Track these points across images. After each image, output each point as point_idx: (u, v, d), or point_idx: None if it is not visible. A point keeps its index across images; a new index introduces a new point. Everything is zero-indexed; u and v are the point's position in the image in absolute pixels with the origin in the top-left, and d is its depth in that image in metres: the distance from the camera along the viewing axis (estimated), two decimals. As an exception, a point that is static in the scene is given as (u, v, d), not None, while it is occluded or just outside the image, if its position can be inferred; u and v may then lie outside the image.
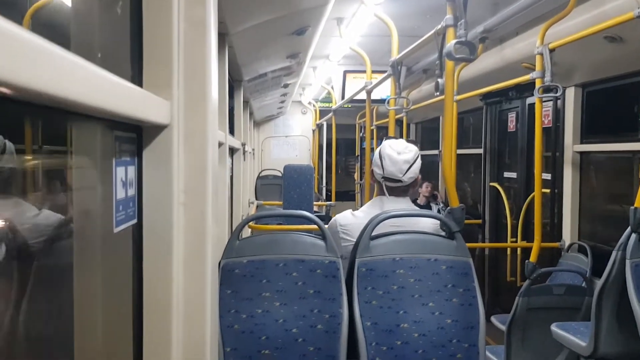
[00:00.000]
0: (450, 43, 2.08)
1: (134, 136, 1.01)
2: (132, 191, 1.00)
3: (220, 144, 2.71)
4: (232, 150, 4.00)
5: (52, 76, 0.53)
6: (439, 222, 2.22)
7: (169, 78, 1.00)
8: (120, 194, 0.94)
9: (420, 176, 2.31)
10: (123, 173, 0.95)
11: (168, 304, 1.07)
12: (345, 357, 1.94)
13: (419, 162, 2.28)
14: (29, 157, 1.30)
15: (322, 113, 9.13)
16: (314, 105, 9.45)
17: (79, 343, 1.06)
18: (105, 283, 1.05)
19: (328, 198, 8.84)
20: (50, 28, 1.10)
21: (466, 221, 2.16)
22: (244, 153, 4.57)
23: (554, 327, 2.52)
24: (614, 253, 2.21)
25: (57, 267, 1.35)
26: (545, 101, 3.82)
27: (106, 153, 0.90)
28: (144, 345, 1.08)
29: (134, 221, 1.03)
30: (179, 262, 1.08)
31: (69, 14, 0.99)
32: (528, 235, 4.42)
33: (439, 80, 2.40)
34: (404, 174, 2.23)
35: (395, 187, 2.27)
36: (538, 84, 3.29)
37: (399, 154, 2.25)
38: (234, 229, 2.15)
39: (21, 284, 1.21)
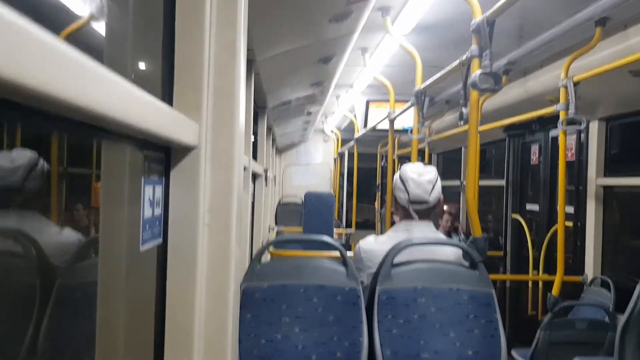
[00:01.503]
0: (475, 73, 2.09)
1: (163, 156, 1.03)
2: (158, 210, 1.02)
3: (244, 168, 2.73)
4: (255, 176, 4.03)
5: (87, 89, 0.55)
6: (461, 251, 2.20)
7: (199, 100, 1.03)
8: (147, 212, 0.95)
9: (442, 197, 2.33)
10: (151, 192, 0.97)
11: (190, 326, 1.08)
12: None
13: (439, 182, 2.32)
14: (61, 174, 1.33)
15: (344, 142, 9.17)
16: (336, 134, 9.50)
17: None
18: (128, 302, 1.06)
19: (348, 226, 8.81)
20: (85, 48, 1.14)
21: (489, 252, 2.15)
22: (266, 179, 4.60)
23: (576, 363, 2.46)
24: (638, 287, 2.16)
25: (80, 285, 1.37)
26: (569, 134, 3.79)
27: (135, 172, 0.92)
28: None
29: (159, 240, 1.04)
30: (202, 283, 1.09)
31: (103, 35, 1.02)
32: (550, 269, 4.34)
33: (463, 109, 2.41)
34: (430, 194, 2.26)
35: (422, 210, 2.27)
36: (562, 117, 3.28)
37: (420, 175, 2.28)
38: (254, 253, 2.16)
39: (43, 302, 1.23)
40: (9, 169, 1.24)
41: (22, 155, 1.26)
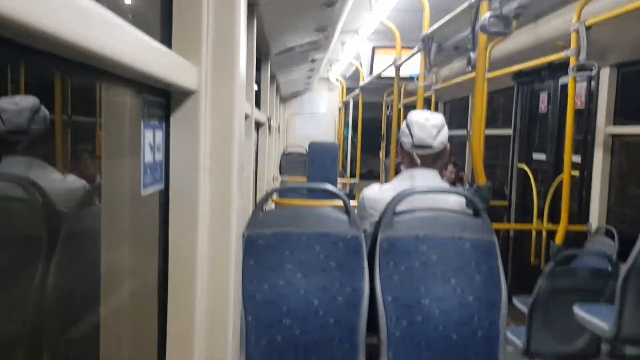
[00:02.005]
0: (485, 16, 2.03)
1: (162, 101, 1.02)
2: (159, 156, 1.01)
3: (246, 116, 2.71)
4: (258, 125, 4.01)
5: (85, 29, 0.54)
6: (465, 200, 2.20)
7: (198, 43, 1.00)
8: (148, 157, 0.95)
9: (449, 145, 2.30)
10: (151, 137, 0.96)
11: (193, 269, 1.09)
12: (365, 330, 1.95)
13: (446, 128, 2.27)
14: (60, 119, 1.32)
15: (349, 90, 9.06)
16: (341, 82, 9.39)
17: (105, 304, 1.08)
18: (131, 246, 1.07)
19: (352, 176, 8.83)
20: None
21: (492, 202, 2.14)
22: (269, 128, 4.57)
23: (576, 309, 2.49)
24: (641, 236, 2.17)
25: (85, 230, 1.38)
26: (578, 81, 3.72)
27: (135, 116, 0.91)
28: (168, 309, 1.10)
29: (161, 186, 1.04)
30: (204, 227, 1.09)
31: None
32: (554, 219, 4.35)
33: (471, 54, 2.36)
34: (434, 139, 2.22)
35: (426, 156, 2.25)
36: (572, 62, 3.21)
37: (426, 120, 2.25)
38: (257, 203, 2.17)
39: (50, 246, 1.24)
40: (14, 111, 1.25)
41: (26, 100, 1.26)
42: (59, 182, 1.47)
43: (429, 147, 2.22)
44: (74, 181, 1.49)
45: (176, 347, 1.10)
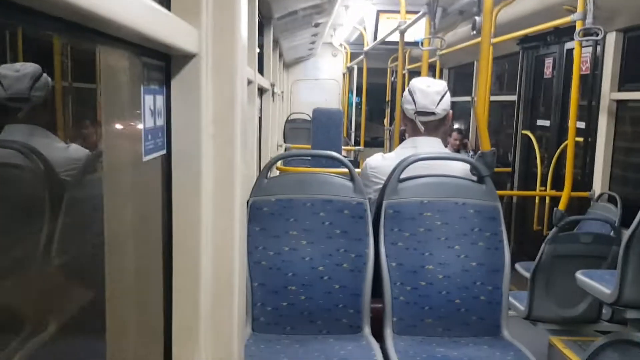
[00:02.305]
0: (490, -21, 1.99)
1: (162, 65, 1.00)
2: (160, 121, 1.00)
3: (249, 82, 2.68)
4: (261, 91, 3.97)
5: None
6: (469, 166, 2.19)
7: (198, 4, 0.98)
8: (148, 122, 0.94)
9: (451, 112, 2.29)
10: (151, 101, 0.95)
11: (197, 235, 1.09)
12: (369, 296, 1.97)
13: (449, 95, 2.27)
14: (66, 88, 1.31)
15: (353, 56, 8.96)
16: (345, 48, 9.28)
17: (109, 271, 1.09)
18: (134, 213, 1.07)
19: (357, 144, 8.80)
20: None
21: (495, 169, 2.13)
22: (272, 94, 4.54)
23: (578, 274, 2.50)
24: (646, 201, 2.16)
25: (87, 199, 1.38)
26: (584, 46, 3.67)
27: (134, 80, 0.90)
28: (173, 276, 1.11)
29: (163, 152, 1.03)
30: (207, 193, 1.09)
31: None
32: (558, 185, 4.35)
33: (476, 18, 2.32)
34: (437, 105, 2.21)
35: (429, 122, 2.24)
36: (579, 27, 3.16)
37: (428, 86, 2.24)
38: (262, 169, 2.16)
39: (52, 216, 1.24)
40: (15, 77, 1.24)
41: (27, 67, 1.25)
42: (62, 150, 1.47)
43: (432, 113, 2.20)
44: (76, 149, 1.48)
45: (182, 311, 1.11)
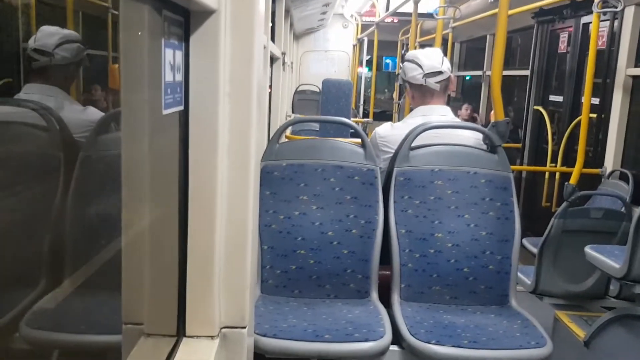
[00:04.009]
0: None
1: (182, 20, 1.00)
2: (179, 77, 1.00)
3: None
4: (272, 60, 3.95)
5: None
6: (480, 136, 2.18)
7: (218, -42, 0.97)
8: (168, 76, 0.94)
9: (453, 75, 2.34)
10: (171, 56, 0.95)
11: (213, 193, 1.10)
12: (378, 262, 1.98)
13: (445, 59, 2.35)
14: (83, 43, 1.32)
15: (364, 28, 8.86)
16: (356, 19, 9.16)
17: (126, 228, 1.10)
18: (153, 168, 1.07)
19: (365, 116, 8.76)
20: None
21: (505, 145, 2.13)
22: (283, 63, 4.51)
23: (587, 249, 2.50)
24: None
25: (104, 158, 1.39)
26: (601, 20, 3.61)
27: (155, 33, 0.90)
28: (188, 234, 1.12)
29: (181, 107, 1.03)
30: (223, 150, 1.09)
31: None
32: (568, 162, 4.32)
33: (494, -13, 2.28)
34: (442, 64, 2.28)
35: (438, 83, 2.27)
36: (597, -1, 3.10)
37: (427, 51, 2.36)
38: (273, 134, 2.16)
39: (68, 173, 1.25)
40: (48, 33, 1.28)
41: (63, 30, 1.29)
42: (79, 112, 1.48)
43: (440, 72, 2.24)
44: (93, 113, 1.49)
45: (197, 269, 1.13)
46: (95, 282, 1.23)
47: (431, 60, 2.26)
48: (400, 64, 8.47)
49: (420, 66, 2.25)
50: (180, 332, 1.14)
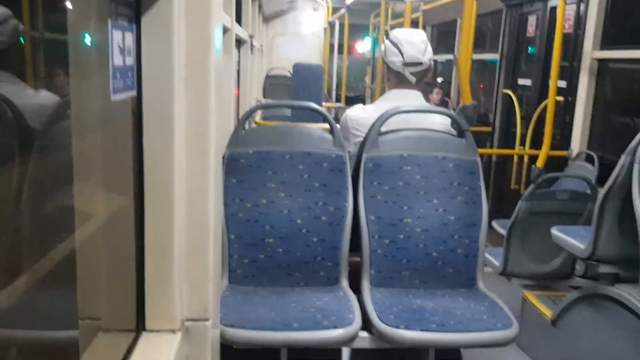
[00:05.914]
0: None
1: (132, 0, 0.95)
2: (130, 60, 0.95)
3: (225, 30, 2.60)
4: (239, 43, 3.87)
5: None
6: (449, 121, 2.17)
7: None
8: (117, 60, 0.89)
9: (432, 63, 2.29)
10: (120, 38, 0.90)
11: (170, 182, 1.05)
12: (348, 249, 1.96)
13: (429, 44, 2.29)
14: (35, 37, 1.25)
15: (335, 10, 8.79)
16: (326, 1, 9.08)
17: (78, 219, 1.05)
18: (105, 157, 1.03)
19: (338, 101, 8.73)
20: None
21: (475, 128, 2.13)
22: (251, 47, 4.43)
23: (554, 230, 2.53)
24: (622, 157, 2.17)
25: (57, 144, 1.33)
26: (568, 4, 3.63)
27: (101, 12, 0.85)
28: (145, 225, 1.08)
29: (133, 93, 0.98)
30: (180, 139, 1.05)
31: None
32: (537, 145, 4.37)
33: (461, -31, 2.26)
34: (424, 55, 2.22)
35: (417, 73, 2.24)
36: (564, -18, 3.11)
37: (411, 36, 2.25)
38: (239, 119, 2.11)
39: (22, 160, 1.19)
40: None
41: None
42: (31, 97, 1.41)
43: (420, 63, 2.19)
44: (46, 97, 1.43)
45: (155, 261, 1.09)
46: (48, 278, 1.18)
47: (414, 49, 2.20)
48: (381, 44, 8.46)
49: (401, 53, 2.20)
50: (140, 326, 1.10)
